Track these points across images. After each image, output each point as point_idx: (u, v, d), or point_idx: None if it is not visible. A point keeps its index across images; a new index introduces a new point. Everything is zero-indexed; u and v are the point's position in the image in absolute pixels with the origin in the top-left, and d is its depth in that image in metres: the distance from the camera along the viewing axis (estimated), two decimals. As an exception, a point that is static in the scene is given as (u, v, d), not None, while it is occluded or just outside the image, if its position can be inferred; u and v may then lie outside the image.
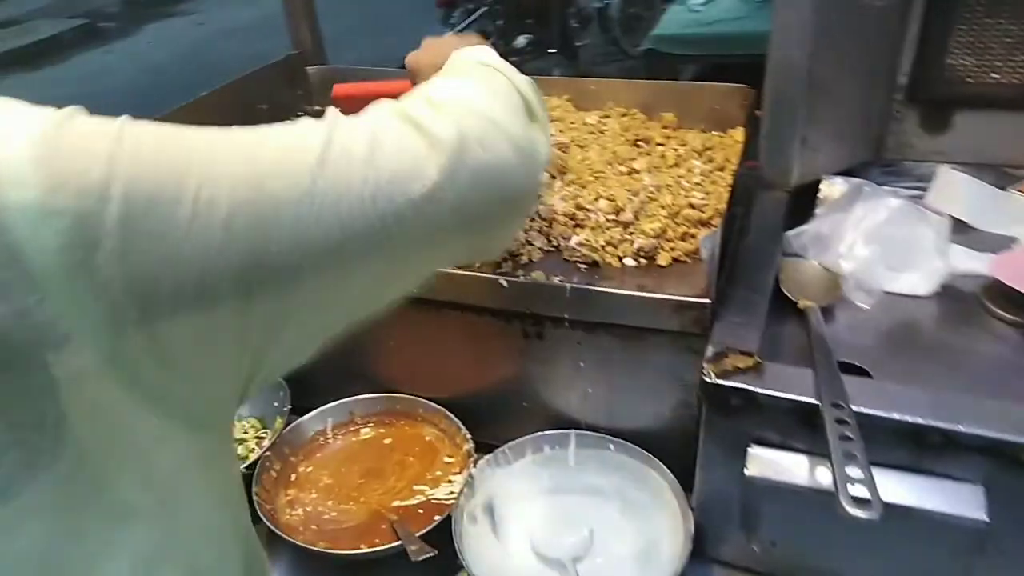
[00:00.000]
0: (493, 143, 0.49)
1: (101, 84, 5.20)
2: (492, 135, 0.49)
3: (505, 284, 0.79)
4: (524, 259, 0.83)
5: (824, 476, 0.65)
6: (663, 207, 0.88)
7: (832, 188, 0.95)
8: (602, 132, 1.04)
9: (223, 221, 0.37)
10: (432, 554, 0.69)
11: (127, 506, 0.39)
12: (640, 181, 0.91)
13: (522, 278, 0.79)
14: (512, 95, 0.55)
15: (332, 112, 0.46)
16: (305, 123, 0.44)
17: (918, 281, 0.86)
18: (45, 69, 5.75)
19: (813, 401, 0.65)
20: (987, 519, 0.60)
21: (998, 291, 0.83)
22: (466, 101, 0.51)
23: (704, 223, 0.87)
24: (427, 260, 0.51)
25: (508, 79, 0.57)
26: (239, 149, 0.40)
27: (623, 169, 0.95)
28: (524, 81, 0.58)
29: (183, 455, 0.42)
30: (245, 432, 0.91)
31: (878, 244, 0.87)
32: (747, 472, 0.68)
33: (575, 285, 0.77)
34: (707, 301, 0.74)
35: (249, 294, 0.39)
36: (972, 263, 0.88)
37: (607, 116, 1.09)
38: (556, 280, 0.79)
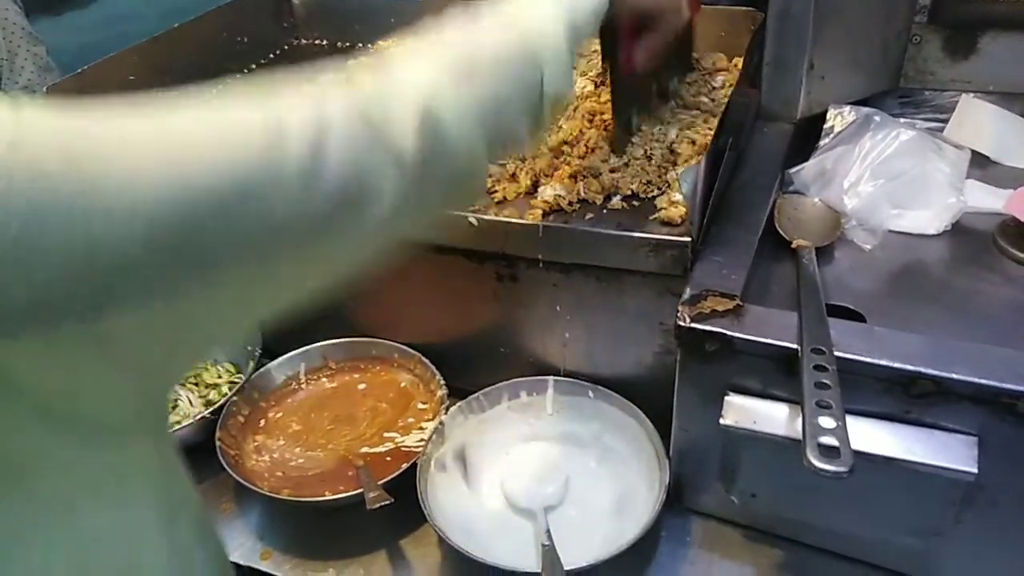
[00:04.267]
0: (453, 144, 0.45)
1: (122, 28, 5.16)
2: (454, 136, 0.44)
3: (475, 222, 0.74)
4: (498, 196, 0.78)
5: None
6: (658, 140, 0.81)
7: (839, 118, 0.88)
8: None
9: (143, 231, 0.32)
10: (388, 502, 0.67)
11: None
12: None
13: (493, 216, 0.74)
14: (524, 101, 0.50)
15: (272, 97, 0.40)
16: (239, 109, 0.38)
17: (927, 219, 0.80)
18: (67, 15, 5.73)
19: (794, 346, 0.60)
20: (976, 471, 0.56)
21: (1014, 229, 0.77)
22: (439, 94, 0.45)
23: (699, 154, 0.80)
24: (368, 252, 0.47)
25: (540, 76, 0.50)
26: (160, 142, 0.35)
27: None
28: (560, 81, 0.51)
29: (94, 468, 0.39)
30: (219, 377, 0.89)
31: (885, 179, 0.81)
32: (723, 421, 0.63)
33: (547, 224, 0.72)
34: (687, 240, 0.68)
35: (168, 286, 0.35)
36: (988, 200, 0.81)
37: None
38: (528, 218, 0.74)
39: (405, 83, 0.44)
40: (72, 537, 0.39)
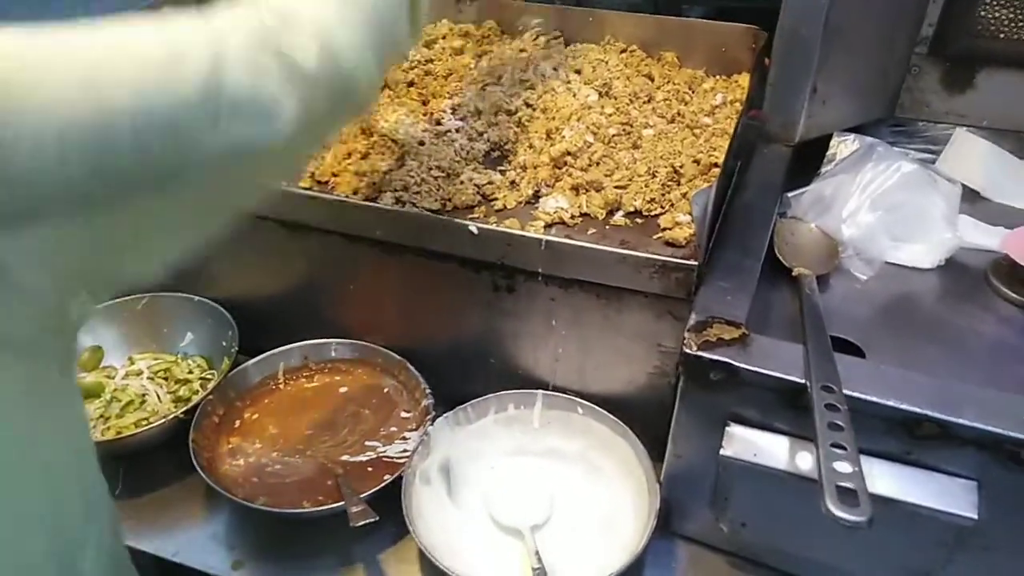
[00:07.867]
0: (350, 63, 0.47)
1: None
2: (349, 55, 0.46)
3: (475, 231, 0.72)
4: (499, 204, 0.76)
5: (804, 461, 0.60)
6: (662, 158, 0.80)
7: (843, 146, 0.87)
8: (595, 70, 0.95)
9: (56, 136, 0.33)
10: (373, 519, 0.64)
11: None
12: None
13: (494, 226, 0.72)
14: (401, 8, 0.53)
15: (168, 21, 0.40)
16: (138, 33, 0.39)
17: (922, 253, 0.80)
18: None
19: (801, 381, 0.59)
20: (976, 517, 0.56)
21: (1006, 268, 0.77)
22: (332, 16, 0.46)
23: (704, 174, 0.79)
24: (272, 173, 0.52)
25: None
26: (73, 53, 0.36)
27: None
28: None
29: (8, 389, 0.38)
30: (190, 372, 0.85)
31: (884, 210, 0.81)
32: (723, 452, 0.62)
33: (550, 238, 0.70)
34: (694, 263, 0.67)
35: (86, 206, 0.36)
36: (981, 236, 0.82)
37: (604, 53, 1.00)
38: (530, 230, 0.71)
39: (296, 6, 0.45)
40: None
